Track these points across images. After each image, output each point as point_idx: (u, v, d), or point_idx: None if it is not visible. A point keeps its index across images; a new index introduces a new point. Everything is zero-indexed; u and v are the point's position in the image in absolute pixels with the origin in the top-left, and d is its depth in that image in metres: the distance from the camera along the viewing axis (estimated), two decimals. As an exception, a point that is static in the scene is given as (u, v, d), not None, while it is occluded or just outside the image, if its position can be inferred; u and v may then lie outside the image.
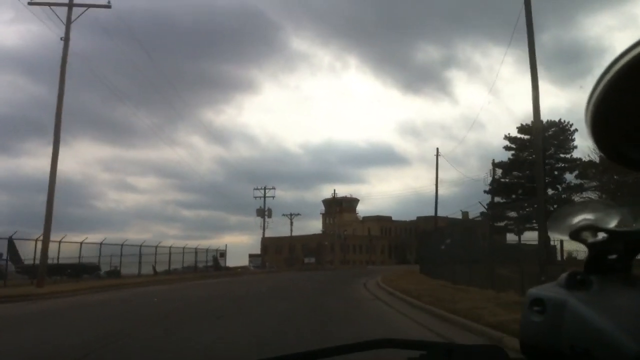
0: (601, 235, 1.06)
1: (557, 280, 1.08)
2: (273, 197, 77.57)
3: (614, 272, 1.06)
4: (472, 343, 1.80)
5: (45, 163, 78.61)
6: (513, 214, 28.98)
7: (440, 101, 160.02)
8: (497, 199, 49.14)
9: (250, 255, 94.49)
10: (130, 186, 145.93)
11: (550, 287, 1.08)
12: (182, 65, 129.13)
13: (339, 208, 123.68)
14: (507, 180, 51.46)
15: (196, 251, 55.38)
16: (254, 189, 75.24)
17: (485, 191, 51.56)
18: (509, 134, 54.01)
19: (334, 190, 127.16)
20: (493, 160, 53.59)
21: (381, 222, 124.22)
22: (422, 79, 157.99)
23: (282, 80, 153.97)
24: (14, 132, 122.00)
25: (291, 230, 75.10)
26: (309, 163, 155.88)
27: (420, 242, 51.66)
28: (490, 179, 51.17)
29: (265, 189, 75.05)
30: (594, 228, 1.08)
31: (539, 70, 20.20)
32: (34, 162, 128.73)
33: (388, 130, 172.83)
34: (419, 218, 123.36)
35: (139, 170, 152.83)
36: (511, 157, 52.70)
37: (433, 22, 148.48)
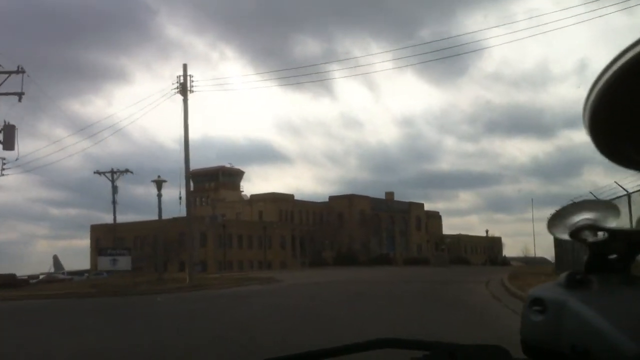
0: (601, 235, 1.11)
1: (557, 280, 1.13)
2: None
3: (614, 271, 1.11)
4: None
5: None
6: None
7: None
8: None
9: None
10: None
11: (551, 286, 1.13)
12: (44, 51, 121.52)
13: (215, 184, 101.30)
14: None
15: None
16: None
17: None
18: None
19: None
20: None
21: (279, 203, 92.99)
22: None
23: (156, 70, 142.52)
24: None
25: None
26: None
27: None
28: None
29: (113, 172, 59.14)
30: (594, 227, 1.13)
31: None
32: None
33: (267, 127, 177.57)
34: (332, 198, 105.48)
35: None
36: None
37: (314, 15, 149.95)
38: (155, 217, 40.93)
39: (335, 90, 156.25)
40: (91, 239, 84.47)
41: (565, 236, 1.17)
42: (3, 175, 33.65)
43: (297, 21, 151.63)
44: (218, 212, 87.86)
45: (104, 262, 36.01)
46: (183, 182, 36.28)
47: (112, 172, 58.45)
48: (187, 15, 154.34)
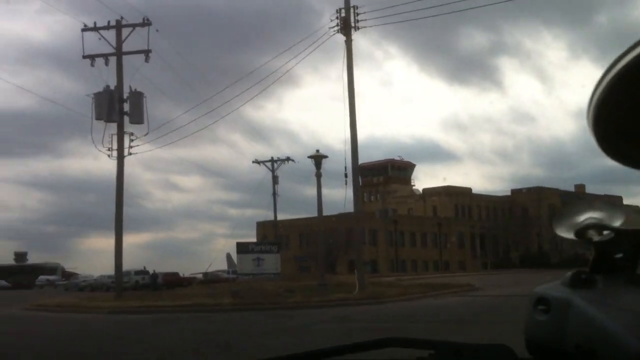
0: (607, 234, 1.12)
1: (562, 279, 1.15)
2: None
3: (619, 271, 1.12)
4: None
5: (87, 163, 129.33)
6: None
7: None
8: None
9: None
10: (174, 185, 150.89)
11: (555, 286, 1.15)
12: (219, 59, 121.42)
13: (384, 178, 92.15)
14: None
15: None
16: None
17: None
18: None
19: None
20: None
21: (454, 197, 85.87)
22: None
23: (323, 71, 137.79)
24: (57, 132, 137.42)
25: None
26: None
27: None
28: None
29: (273, 160, 53.49)
30: (599, 226, 1.14)
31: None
32: (76, 162, 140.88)
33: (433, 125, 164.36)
34: (514, 192, 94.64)
35: (183, 170, 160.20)
36: None
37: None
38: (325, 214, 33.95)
39: (504, 84, 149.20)
40: (257, 235, 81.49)
41: (571, 235, 1.17)
42: (131, 154, 27.66)
43: (462, 13, 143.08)
44: (388, 207, 79.75)
45: (246, 262, 29.16)
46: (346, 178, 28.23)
47: (272, 160, 52.89)
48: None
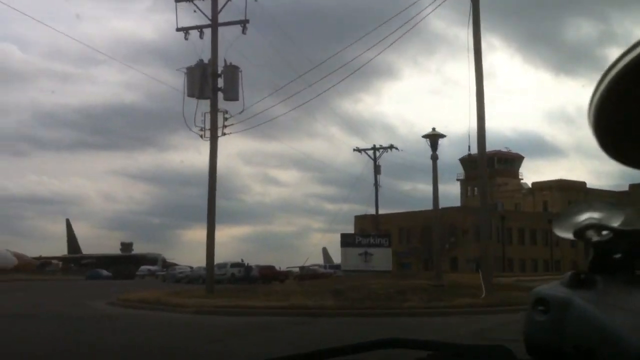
0: (606, 234, 1.12)
1: (561, 280, 1.14)
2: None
3: (619, 271, 1.12)
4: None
5: (190, 157, 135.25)
6: None
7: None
8: None
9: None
10: (272, 179, 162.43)
11: (554, 286, 1.14)
12: (320, 51, 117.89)
13: (490, 171, 79.72)
14: None
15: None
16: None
17: None
18: None
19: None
20: None
21: (567, 192, 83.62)
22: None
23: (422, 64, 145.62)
24: (161, 126, 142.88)
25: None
26: (453, 154, 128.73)
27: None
28: None
29: (375, 148, 50.23)
30: (598, 227, 1.13)
31: None
32: (179, 155, 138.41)
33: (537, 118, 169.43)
34: (633, 186, 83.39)
35: (280, 163, 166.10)
36: None
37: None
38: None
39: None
40: (355, 230, 79.29)
41: (570, 235, 1.16)
42: (224, 134, 25.01)
43: (568, 2, 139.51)
44: (498, 201, 74.76)
45: (351, 257, 25.44)
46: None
47: (374, 148, 49.65)
48: (452, 7, 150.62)
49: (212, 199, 24.23)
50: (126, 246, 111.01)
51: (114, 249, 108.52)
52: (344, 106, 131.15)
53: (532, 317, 1.11)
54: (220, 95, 24.48)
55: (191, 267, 65.47)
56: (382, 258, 25.72)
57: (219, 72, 24.30)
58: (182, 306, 17.37)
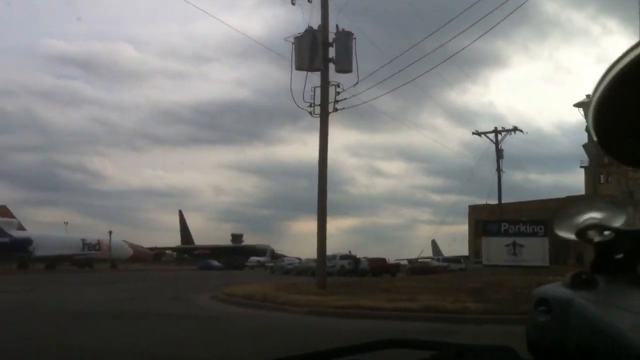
0: (607, 235, 1.12)
1: (563, 280, 1.15)
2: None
3: (620, 271, 1.13)
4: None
5: (297, 150, 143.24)
6: None
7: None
8: None
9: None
10: (378, 171, 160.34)
11: (556, 286, 1.15)
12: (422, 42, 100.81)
13: None
14: None
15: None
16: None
17: None
18: None
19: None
20: None
21: None
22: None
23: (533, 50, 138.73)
24: (269, 120, 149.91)
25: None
26: (568, 146, 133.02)
27: None
28: None
29: (497, 131, 46.02)
30: (600, 227, 1.13)
31: None
32: (287, 149, 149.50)
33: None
34: None
35: (386, 155, 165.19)
36: None
37: None
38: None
39: None
40: (469, 221, 74.66)
41: (572, 236, 1.16)
42: (336, 109, 22.21)
43: None
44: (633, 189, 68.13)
45: (496, 249, 21.00)
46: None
47: (496, 131, 45.54)
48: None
49: (323, 177, 21.73)
50: (236, 237, 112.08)
51: (224, 240, 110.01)
52: (450, 96, 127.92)
53: (534, 318, 1.11)
54: (331, 67, 21.91)
55: (299, 259, 64.43)
56: (536, 250, 21.13)
57: (330, 40, 21.78)
58: (293, 304, 14.80)
